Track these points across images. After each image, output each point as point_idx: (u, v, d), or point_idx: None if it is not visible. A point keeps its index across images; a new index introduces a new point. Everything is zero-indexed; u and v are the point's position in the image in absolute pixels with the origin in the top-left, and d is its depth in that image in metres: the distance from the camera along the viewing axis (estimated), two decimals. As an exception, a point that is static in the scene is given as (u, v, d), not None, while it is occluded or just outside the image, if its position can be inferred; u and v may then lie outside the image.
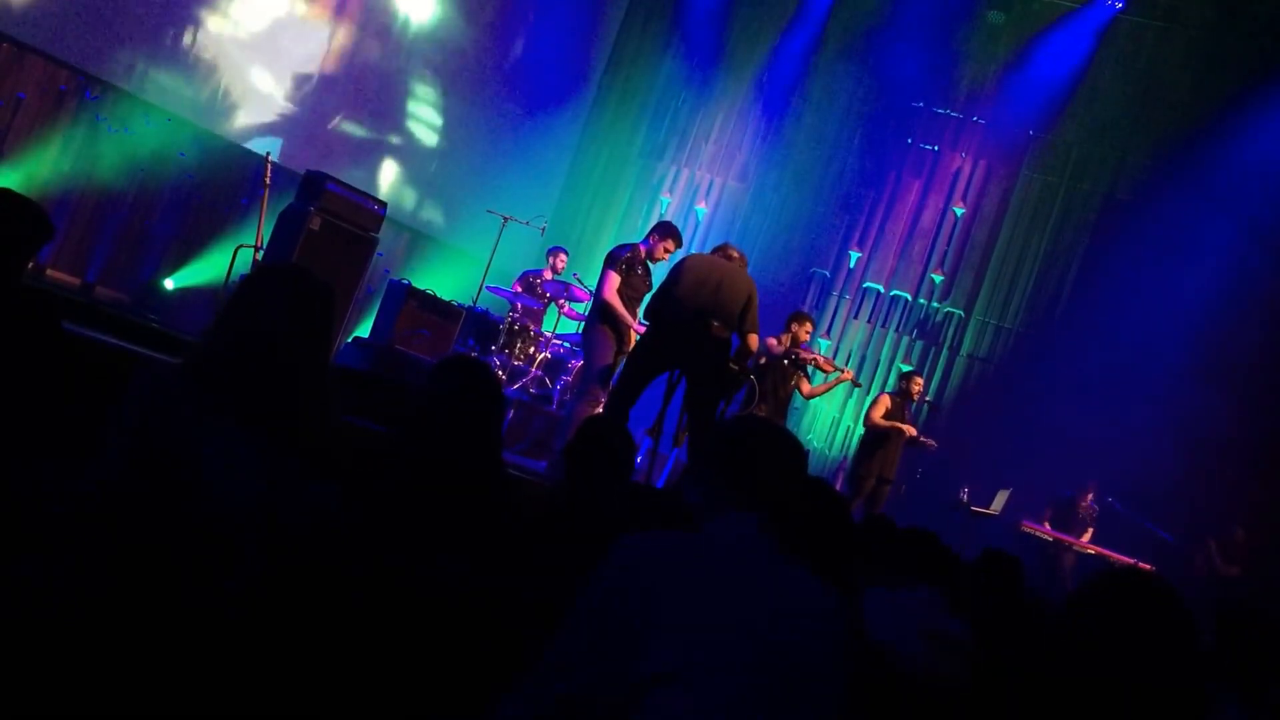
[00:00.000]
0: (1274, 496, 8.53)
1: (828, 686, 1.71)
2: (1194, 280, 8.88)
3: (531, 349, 8.38)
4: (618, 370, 6.07)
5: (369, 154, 9.56)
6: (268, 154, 7.02)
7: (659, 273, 6.22)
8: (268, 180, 6.81)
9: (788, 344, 7.57)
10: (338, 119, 9.24)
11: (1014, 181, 10.25)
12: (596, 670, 1.63)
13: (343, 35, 9.03)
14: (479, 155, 10.47)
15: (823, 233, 10.81)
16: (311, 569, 2.10)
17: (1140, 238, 9.40)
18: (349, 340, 8.09)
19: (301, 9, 8.60)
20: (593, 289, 6.82)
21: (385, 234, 7.65)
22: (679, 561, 1.72)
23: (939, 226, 10.44)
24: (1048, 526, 8.55)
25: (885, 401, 7.98)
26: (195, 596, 2.00)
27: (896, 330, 10.41)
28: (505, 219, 8.61)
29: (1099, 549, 8.35)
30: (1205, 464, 8.51)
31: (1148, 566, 7.25)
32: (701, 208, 11.33)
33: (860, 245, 10.68)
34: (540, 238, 9.64)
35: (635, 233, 10.34)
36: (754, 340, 5.75)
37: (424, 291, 8.29)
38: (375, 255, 7.41)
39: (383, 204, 7.44)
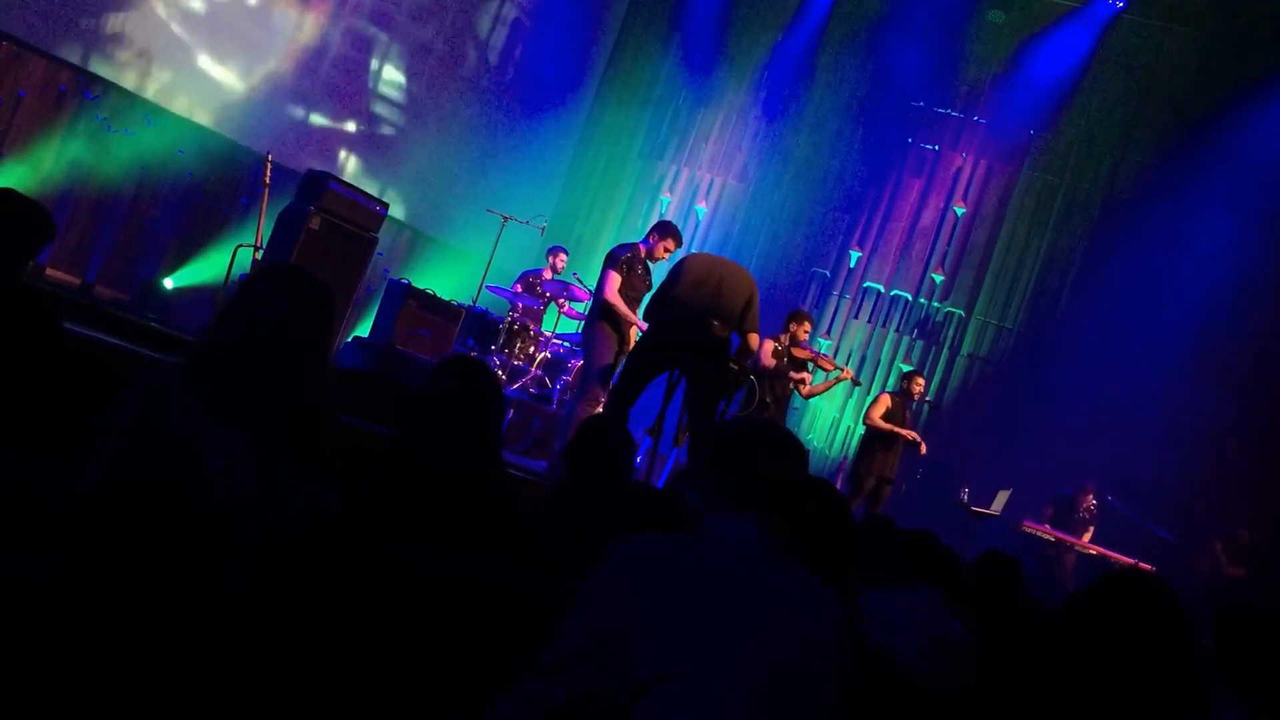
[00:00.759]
0: (1275, 497, 8.53)
1: (827, 687, 1.71)
2: (1194, 280, 8.88)
3: (531, 349, 8.37)
4: (618, 370, 6.06)
5: (369, 153, 9.56)
6: (268, 153, 7.01)
7: (659, 272, 6.22)
8: (268, 180, 6.80)
9: (786, 343, 7.58)
10: (338, 119, 9.25)
11: (1014, 181, 10.26)
12: (596, 670, 1.63)
13: (343, 35, 9.04)
14: (479, 154, 10.47)
15: (823, 232, 10.81)
16: (310, 568, 2.11)
17: (1140, 237, 9.41)
18: (349, 340, 8.08)
19: (305, 9, 8.60)
20: (592, 289, 6.81)
21: (385, 233, 7.65)
22: (679, 561, 1.72)
23: (939, 226, 10.44)
24: (1048, 526, 8.55)
25: (886, 401, 7.98)
26: (194, 594, 2.00)
27: (897, 330, 10.41)
28: (505, 218, 8.61)
29: (1099, 549, 8.35)
30: (1205, 463, 8.52)
31: (1148, 566, 7.25)
32: (701, 207, 11.33)
33: (860, 245, 10.68)
34: (540, 237, 9.64)
35: (635, 232, 10.34)
36: (754, 339, 5.73)
37: (424, 291, 8.29)
38: (375, 255, 7.41)
39: (384, 204, 7.45)
